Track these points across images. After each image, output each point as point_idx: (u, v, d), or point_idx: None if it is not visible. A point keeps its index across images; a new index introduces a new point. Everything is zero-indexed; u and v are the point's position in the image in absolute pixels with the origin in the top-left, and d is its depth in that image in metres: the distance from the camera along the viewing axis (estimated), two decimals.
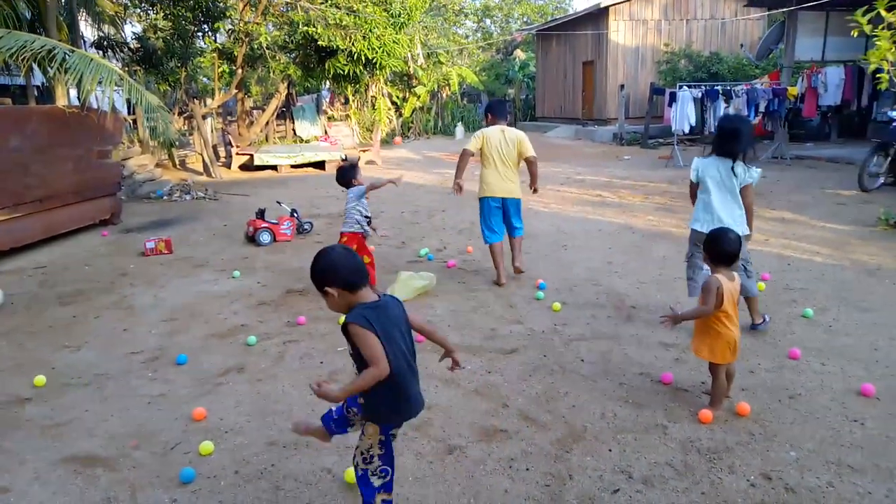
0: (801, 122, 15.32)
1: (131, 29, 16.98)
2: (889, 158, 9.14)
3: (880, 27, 6.66)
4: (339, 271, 2.14)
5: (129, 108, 15.02)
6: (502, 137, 5.43)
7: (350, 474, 2.65)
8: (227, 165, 15.53)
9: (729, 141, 4.09)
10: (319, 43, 13.42)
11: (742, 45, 20.94)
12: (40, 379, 3.85)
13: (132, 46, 14.10)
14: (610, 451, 2.96)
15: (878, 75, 7.07)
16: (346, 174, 5.44)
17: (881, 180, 9.32)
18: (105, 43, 13.34)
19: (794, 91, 13.90)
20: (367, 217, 5.34)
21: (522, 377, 3.75)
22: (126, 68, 13.63)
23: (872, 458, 2.83)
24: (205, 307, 5.22)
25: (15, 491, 2.76)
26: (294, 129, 20.33)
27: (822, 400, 3.37)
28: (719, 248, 3.20)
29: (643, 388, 3.58)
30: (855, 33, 6.93)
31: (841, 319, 4.48)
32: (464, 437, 3.08)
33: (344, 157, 15.89)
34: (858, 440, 2.98)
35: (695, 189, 4.35)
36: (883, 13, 6.53)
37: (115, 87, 7.62)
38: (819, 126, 15.84)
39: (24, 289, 5.85)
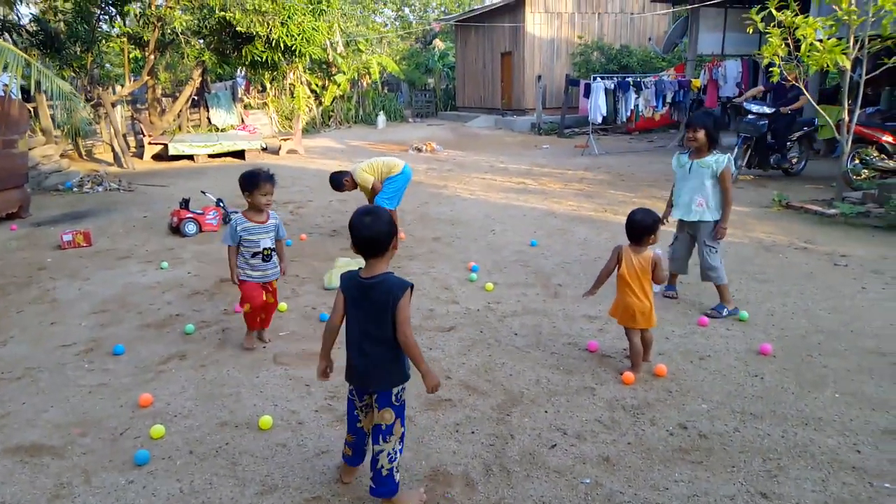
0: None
1: (28, 10, 15.94)
2: (747, 148, 9.73)
3: (772, 24, 7.31)
4: (351, 236, 2.38)
5: (23, 94, 14.12)
6: None
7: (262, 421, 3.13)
8: (139, 156, 14.89)
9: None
10: (238, 29, 13.09)
11: (650, 39, 22.03)
12: None
13: (30, 29, 13.25)
14: (546, 412, 3.23)
15: (770, 69, 7.74)
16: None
17: (740, 168, 9.82)
18: (0, 25, 12.49)
19: (697, 83, 14.85)
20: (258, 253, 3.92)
21: (462, 351, 3.97)
22: (24, 53, 12.81)
23: (770, 406, 3.23)
24: (135, 298, 5.12)
25: None
26: (209, 118, 19.70)
27: (728, 359, 3.78)
28: (629, 225, 3.60)
29: (572, 356, 3.88)
30: (750, 30, 7.57)
31: (742, 290, 4.97)
32: (412, 408, 3.25)
33: (264, 147, 15.60)
34: (759, 392, 3.39)
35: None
36: (774, 12, 7.18)
37: (20, 73, 7.22)
38: (719, 116, 16.96)
39: None
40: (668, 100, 14.81)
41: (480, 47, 24.89)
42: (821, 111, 8.22)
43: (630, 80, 14.73)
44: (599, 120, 14.84)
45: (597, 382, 3.53)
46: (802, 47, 7.10)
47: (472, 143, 17.44)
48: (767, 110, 9.69)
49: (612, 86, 14.59)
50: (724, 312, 4.44)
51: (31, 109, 13.37)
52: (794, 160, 10.09)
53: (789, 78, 8.86)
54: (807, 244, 6.22)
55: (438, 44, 30.85)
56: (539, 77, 20.07)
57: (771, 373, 3.59)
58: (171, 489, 2.64)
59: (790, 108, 9.55)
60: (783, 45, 7.38)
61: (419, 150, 15.90)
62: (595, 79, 14.73)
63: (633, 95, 14.51)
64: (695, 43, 14.87)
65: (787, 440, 2.93)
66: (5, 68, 6.95)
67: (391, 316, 2.31)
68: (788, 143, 9.88)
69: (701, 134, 4.43)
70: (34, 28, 13.20)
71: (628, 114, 14.82)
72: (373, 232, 2.32)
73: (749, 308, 4.57)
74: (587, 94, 14.86)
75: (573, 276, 5.43)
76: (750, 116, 9.79)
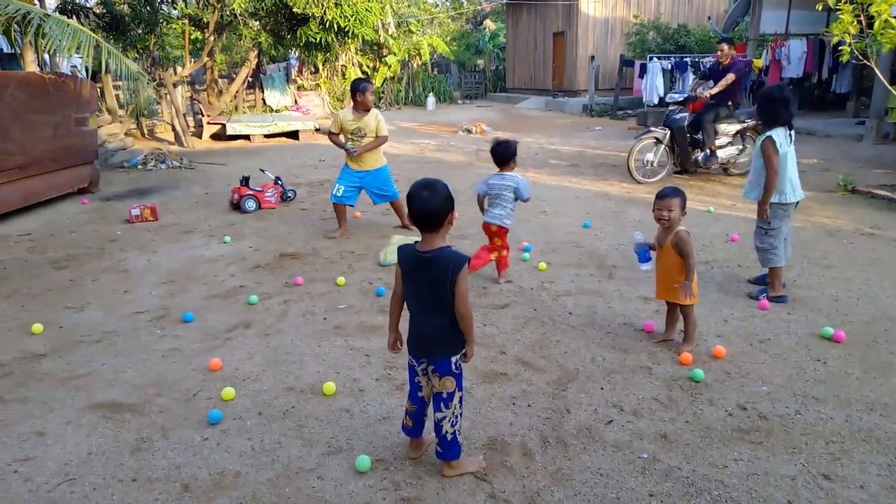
0: None
1: None
2: (667, 145, 8.35)
3: (843, 1, 6.99)
4: (409, 209, 2.39)
5: (88, 75, 14.69)
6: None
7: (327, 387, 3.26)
8: (198, 135, 15.35)
9: (788, 109, 4.35)
10: (294, 10, 13.30)
11: (709, 18, 21.34)
12: (38, 327, 4.09)
13: (97, 12, 13.75)
14: (602, 389, 3.25)
15: (840, 48, 7.42)
16: (510, 150, 4.74)
17: (667, 169, 8.61)
18: (69, 7, 12.98)
19: (759, 63, 14.33)
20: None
21: (516, 328, 4.01)
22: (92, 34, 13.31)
23: (833, 391, 3.18)
24: (201, 270, 5.34)
25: (50, 434, 2.92)
26: (264, 99, 20.11)
27: (789, 343, 3.72)
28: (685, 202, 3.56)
29: (627, 335, 3.89)
30: (819, 7, 7.26)
31: (804, 275, 4.85)
32: (468, 380, 3.33)
33: (317, 128, 15.83)
34: (821, 376, 3.33)
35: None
36: None
37: (93, 55, 7.52)
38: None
39: (14, 255, 5.87)
40: None
41: (532, 27, 24.57)
42: (893, 91, 7.85)
43: (688, 60, 14.34)
44: (655, 101, 14.52)
45: (653, 362, 3.53)
46: (876, 24, 6.77)
47: (523, 125, 17.30)
48: (679, 98, 8.31)
49: (669, 66, 14.23)
50: (763, 297, 4.35)
51: (98, 89, 13.94)
52: (732, 159, 8.47)
53: (724, 54, 8.01)
54: (873, 230, 6.00)
55: (489, 24, 30.59)
56: (592, 57, 19.72)
57: (834, 358, 3.52)
58: (243, 447, 2.79)
59: (707, 93, 8.08)
60: (854, 23, 7.05)
61: (469, 131, 15.88)
62: (651, 59, 14.40)
63: (691, 76, 14.12)
64: (757, 21, 14.35)
65: (852, 424, 2.88)
66: (78, 49, 7.24)
67: (450, 288, 2.34)
68: (722, 139, 8.27)
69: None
70: (101, 10, 13.69)
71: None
72: (430, 205, 2.34)
73: (811, 293, 4.47)
74: (642, 74, 14.56)
75: (627, 258, 5.38)
76: (671, 108, 8.43)
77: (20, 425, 2.99)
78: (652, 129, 8.49)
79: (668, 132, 8.26)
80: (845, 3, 6.96)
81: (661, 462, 2.64)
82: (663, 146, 8.34)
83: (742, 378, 3.33)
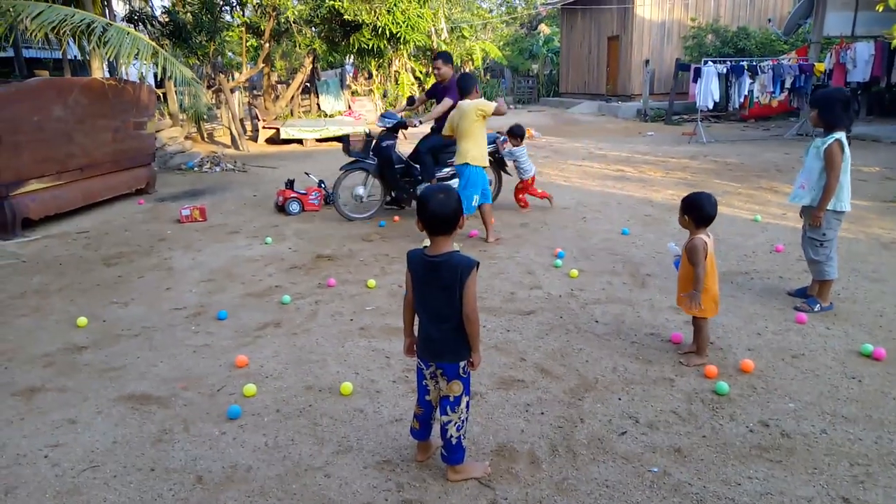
0: None
1: (160, 2, 17.28)
2: (377, 176, 7.21)
3: None
4: (420, 213, 2.41)
5: (155, 81, 15.38)
6: None
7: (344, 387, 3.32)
8: (254, 139, 15.84)
9: (849, 112, 4.13)
10: (345, 17, 13.58)
11: (770, 20, 20.61)
12: (82, 320, 4.31)
13: (161, 20, 14.38)
14: (619, 399, 3.20)
15: None
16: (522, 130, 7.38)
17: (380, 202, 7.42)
18: (135, 17, 13.63)
19: (821, 67, 13.76)
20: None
21: (539, 335, 3.99)
22: (156, 42, 13.93)
23: (866, 410, 3.03)
24: (240, 269, 5.52)
25: (81, 422, 3.08)
26: (318, 104, 20.56)
27: (824, 359, 3.56)
28: (707, 212, 3.41)
29: (653, 346, 3.80)
30: (880, 7, 6.94)
31: (850, 288, 4.64)
32: (484, 385, 3.33)
33: (368, 132, 16.08)
34: (855, 395, 3.18)
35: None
36: None
37: (152, 61, 7.90)
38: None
39: (71, 251, 6.20)
40: (787, 85, 13.83)
41: (586, 31, 24.31)
42: None
43: (745, 63, 13.89)
44: (711, 106, 14.11)
45: (676, 374, 3.44)
46: None
47: (573, 130, 17.12)
48: (389, 123, 7.00)
49: (725, 70, 13.81)
50: (816, 308, 4.19)
51: (161, 95, 14.58)
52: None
53: (440, 73, 6.67)
54: None
55: (544, 29, 30.40)
56: (647, 61, 19.35)
57: (871, 376, 3.35)
58: (257, 442, 2.87)
59: (417, 120, 7.01)
60: None
61: None
62: (706, 63, 14.01)
63: (748, 80, 13.67)
64: (821, 23, 13.78)
65: (881, 447, 2.74)
66: (136, 56, 7.61)
67: (458, 293, 2.36)
68: (446, 170, 7.02)
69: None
70: (165, 19, 14.32)
71: (741, 100, 13.99)
72: (445, 209, 2.37)
73: (855, 307, 4.27)
74: (696, 79, 14.17)
75: (664, 267, 5.27)
76: (381, 134, 7.14)
77: (56, 413, 3.17)
78: (360, 160, 7.18)
79: (377, 162, 7.08)
80: None
81: (671, 476, 2.58)
82: (373, 178, 7.24)
83: (768, 394, 3.21)
